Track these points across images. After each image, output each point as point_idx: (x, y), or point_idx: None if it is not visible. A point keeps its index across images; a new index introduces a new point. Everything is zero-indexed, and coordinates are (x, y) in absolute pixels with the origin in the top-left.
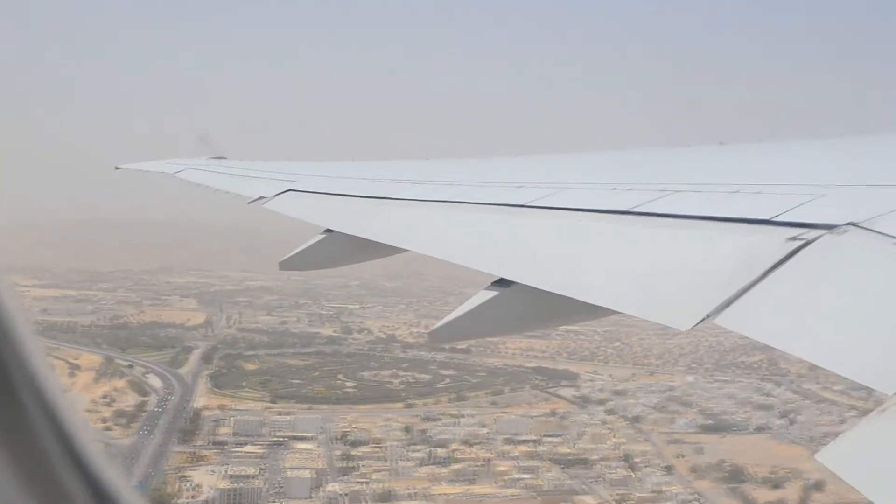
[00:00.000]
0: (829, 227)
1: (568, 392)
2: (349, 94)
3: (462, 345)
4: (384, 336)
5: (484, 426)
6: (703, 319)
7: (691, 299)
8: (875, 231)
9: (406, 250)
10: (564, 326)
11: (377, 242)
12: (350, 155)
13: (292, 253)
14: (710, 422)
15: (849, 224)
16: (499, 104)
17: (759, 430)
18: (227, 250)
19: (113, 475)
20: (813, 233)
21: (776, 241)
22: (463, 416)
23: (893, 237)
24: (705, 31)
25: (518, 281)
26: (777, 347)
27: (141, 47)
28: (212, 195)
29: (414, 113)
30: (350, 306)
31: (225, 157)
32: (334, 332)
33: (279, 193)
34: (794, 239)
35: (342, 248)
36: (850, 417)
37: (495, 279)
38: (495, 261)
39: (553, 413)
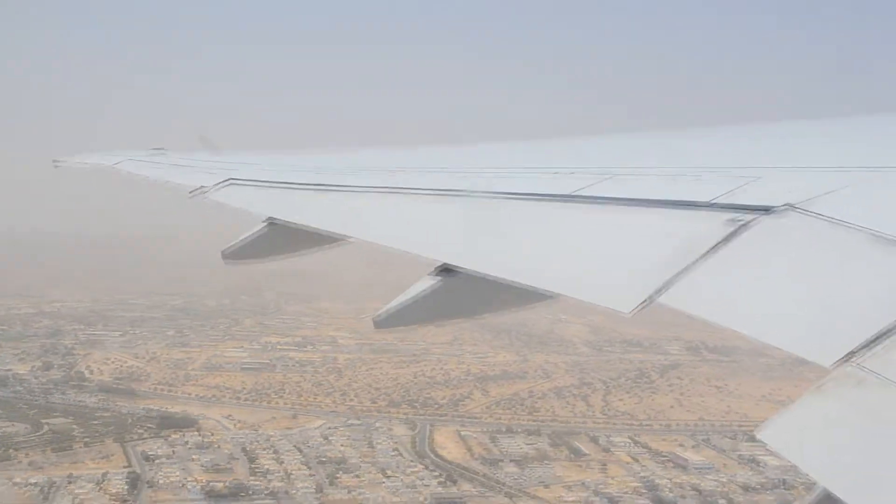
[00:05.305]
0: (766, 210)
1: (150, 446)
2: (302, 86)
3: (138, 388)
4: (74, 374)
5: None
6: (644, 301)
7: (633, 282)
8: (811, 213)
9: (348, 238)
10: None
11: (319, 231)
12: (297, 146)
13: (233, 244)
14: (223, 484)
15: (786, 206)
16: (445, 92)
17: (273, 494)
18: (96, 270)
19: None
20: (751, 215)
21: (715, 224)
22: None
23: (830, 218)
24: (665, 21)
25: (460, 266)
26: (718, 323)
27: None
28: (142, 194)
29: (362, 103)
30: (112, 334)
31: (164, 150)
32: (32, 368)
33: (220, 184)
34: (732, 221)
35: (284, 239)
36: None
37: (438, 265)
38: (437, 247)
39: (69, 477)
